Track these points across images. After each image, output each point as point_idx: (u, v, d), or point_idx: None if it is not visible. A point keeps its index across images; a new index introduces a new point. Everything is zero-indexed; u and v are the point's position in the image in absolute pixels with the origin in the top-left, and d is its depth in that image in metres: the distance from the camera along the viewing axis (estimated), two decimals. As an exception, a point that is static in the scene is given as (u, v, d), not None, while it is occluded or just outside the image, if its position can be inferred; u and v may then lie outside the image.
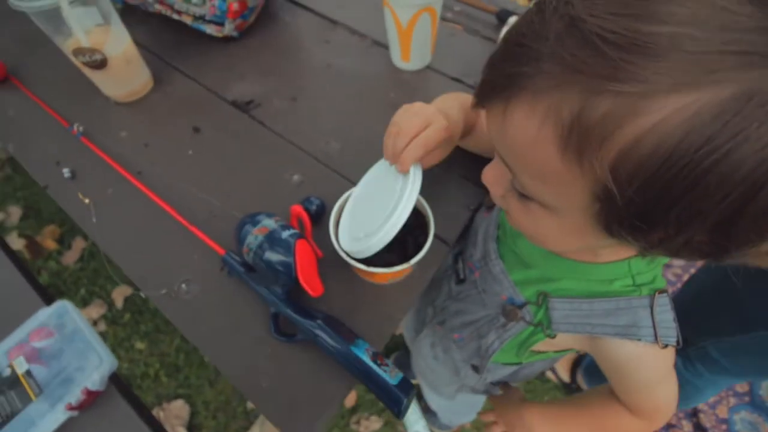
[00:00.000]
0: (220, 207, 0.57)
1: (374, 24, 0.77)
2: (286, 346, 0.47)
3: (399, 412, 0.39)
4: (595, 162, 0.24)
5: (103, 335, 1.37)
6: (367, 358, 0.41)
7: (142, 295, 0.51)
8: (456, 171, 0.59)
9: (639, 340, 0.37)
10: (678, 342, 0.37)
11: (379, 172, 0.47)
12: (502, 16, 0.76)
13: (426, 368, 0.75)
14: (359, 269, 0.46)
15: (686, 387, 0.87)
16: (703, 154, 0.21)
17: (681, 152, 0.21)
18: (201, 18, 0.71)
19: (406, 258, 0.44)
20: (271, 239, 0.44)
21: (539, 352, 0.49)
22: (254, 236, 0.45)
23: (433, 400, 0.92)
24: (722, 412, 1.17)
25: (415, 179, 0.41)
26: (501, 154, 0.32)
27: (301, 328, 0.44)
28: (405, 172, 0.42)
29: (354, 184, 0.54)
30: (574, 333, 0.41)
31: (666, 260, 0.40)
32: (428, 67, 0.72)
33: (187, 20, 0.72)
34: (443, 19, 0.78)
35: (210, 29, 0.73)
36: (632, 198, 0.24)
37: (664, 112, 0.21)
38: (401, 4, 0.59)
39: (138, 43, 0.67)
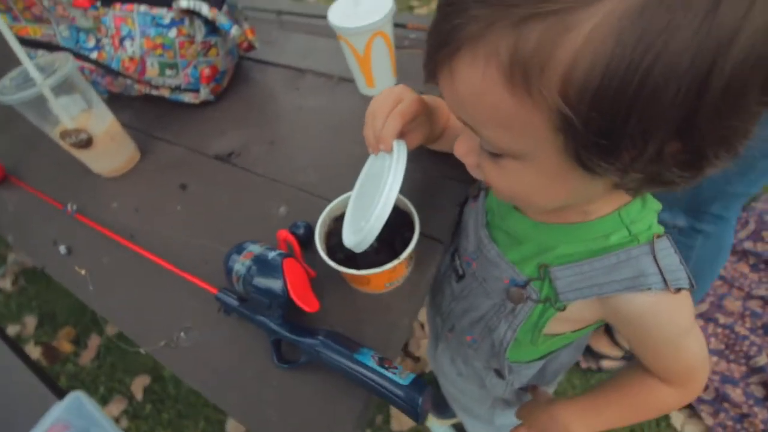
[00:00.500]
0: (211, 249, 0.57)
1: (337, 63, 0.82)
2: (292, 373, 0.44)
3: (416, 414, 0.36)
4: (543, 90, 0.24)
5: None
6: (372, 363, 0.39)
7: (142, 351, 0.50)
8: (437, 172, 0.59)
9: (649, 289, 0.35)
10: (691, 284, 0.35)
11: (369, 167, 0.48)
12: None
13: (455, 391, 0.70)
14: (355, 278, 0.45)
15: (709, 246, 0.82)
16: (640, 53, 0.21)
17: (618, 57, 0.21)
18: (177, 89, 0.76)
19: (397, 257, 0.43)
20: (258, 262, 0.44)
21: (555, 335, 0.46)
22: (241, 263, 0.44)
23: (475, 429, 0.84)
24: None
25: (399, 153, 0.41)
26: (462, 118, 0.32)
27: (304, 348, 0.42)
28: (389, 150, 0.42)
29: None
30: (582, 298, 0.38)
31: (658, 206, 0.38)
32: (394, 89, 0.75)
33: (165, 93, 0.78)
34: (402, 47, 0.83)
35: (187, 97, 0.78)
36: (588, 116, 0.23)
37: (591, 22, 0.22)
38: (353, 34, 0.64)
39: (124, 124, 0.72)
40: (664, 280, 0.34)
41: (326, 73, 0.82)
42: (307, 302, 0.43)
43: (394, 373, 0.38)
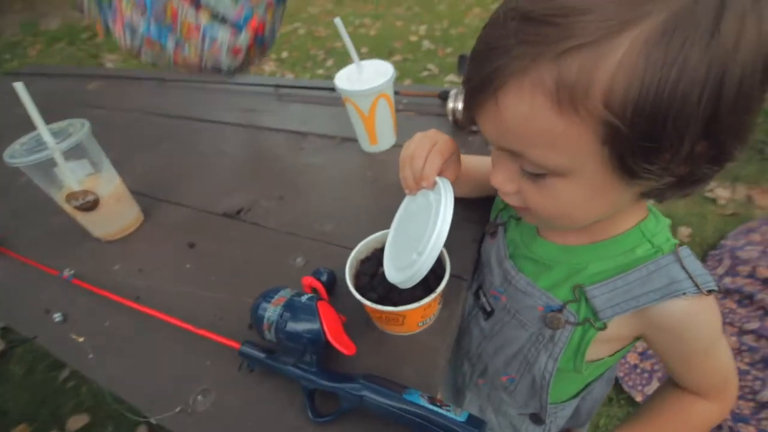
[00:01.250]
0: (227, 305, 0.55)
1: (337, 126, 0.88)
2: (330, 427, 0.41)
3: (479, 455, 0.33)
4: (589, 106, 0.28)
5: None
6: (424, 402, 0.36)
7: (153, 421, 0.45)
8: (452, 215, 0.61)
9: (684, 294, 0.36)
10: (718, 287, 0.37)
11: (407, 207, 0.49)
12: (442, 96, 0.89)
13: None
14: (389, 318, 0.44)
15: None
16: (667, 68, 0.26)
17: (650, 74, 0.26)
18: (221, 18, 0.65)
19: (431, 291, 0.43)
20: (291, 307, 0.42)
21: (595, 361, 0.45)
22: (273, 309, 0.43)
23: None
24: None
25: (446, 187, 0.43)
26: (505, 146, 0.35)
27: (344, 395, 0.39)
28: (431, 187, 0.44)
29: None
30: (621, 313, 0.39)
31: (668, 221, 0.41)
32: (395, 146, 0.80)
33: (204, 19, 0.65)
34: (397, 110, 0.90)
35: (222, 33, 0.66)
36: (632, 122, 0.27)
37: (622, 48, 0.26)
38: (359, 96, 0.69)
39: (128, 189, 0.72)
40: (696, 285, 0.36)
41: (327, 134, 0.87)
42: (345, 345, 0.41)
43: (448, 411, 0.36)
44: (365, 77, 0.70)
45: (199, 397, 0.45)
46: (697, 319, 0.38)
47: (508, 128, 0.32)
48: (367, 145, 0.79)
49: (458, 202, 0.63)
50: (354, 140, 0.83)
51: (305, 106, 0.99)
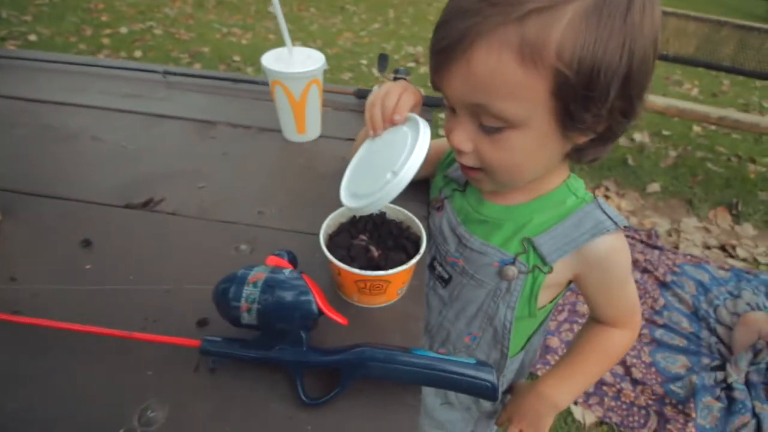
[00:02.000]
0: (161, 301, 0.45)
1: (250, 116, 0.82)
2: (327, 409, 0.37)
3: (495, 390, 0.35)
4: (546, 60, 0.34)
5: None
6: (434, 354, 0.36)
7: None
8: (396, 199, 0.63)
9: (608, 231, 0.46)
10: (627, 224, 0.47)
11: (370, 147, 0.49)
12: (358, 94, 0.92)
13: (433, 428, 0.67)
14: (373, 284, 0.42)
15: None
16: (599, 33, 0.34)
17: (589, 35, 0.34)
18: None
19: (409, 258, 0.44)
20: (275, 281, 0.37)
21: (543, 307, 0.52)
22: (251, 286, 0.37)
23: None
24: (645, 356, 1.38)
25: (421, 119, 0.44)
26: (471, 101, 0.39)
27: (345, 367, 0.37)
28: (403, 120, 0.46)
29: (306, 233, 0.55)
30: (563, 255, 0.47)
31: (582, 183, 0.51)
32: (321, 137, 0.78)
33: None
34: (313, 104, 0.89)
35: None
36: (577, 71, 0.34)
37: (568, 14, 0.33)
38: (292, 79, 0.66)
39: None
40: (615, 222, 0.46)
41: (242, 124, 0.80)
42: (337, 315, 0.39)
43: (457, 357, 0.36)
44: (296, 61, 0.68)
45: (150, 413, 0.36)
46: (619, 250, 0.48)
47: (477, 81, 0.37)
48: (293, 134, 0.75)
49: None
50: (272, 130, 0.78)
51: (205, 95, 0.90)
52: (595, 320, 0.56)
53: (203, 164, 0.68)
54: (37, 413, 0.36)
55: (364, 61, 3.27)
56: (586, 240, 0.46)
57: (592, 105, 0.36)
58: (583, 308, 1.50)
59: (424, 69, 3.37)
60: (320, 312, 0.37)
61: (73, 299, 0.45)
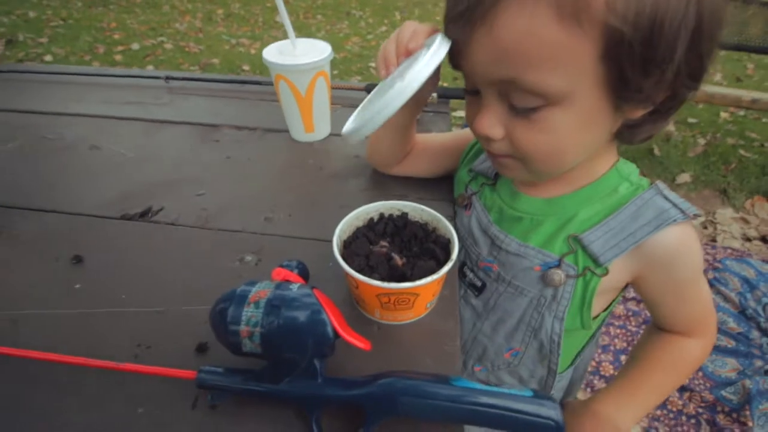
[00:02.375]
0: (154, 325, 0.39)
1: (255, 118, 0.77)
2: (350, 453, 0.30)
3: (559, 429, 0.28)
4: (592, 13, 0.27)
5: None
6: (479, 385, 0.29)
7: None
8: (413, 198, 0.56)
9: (675, 221, 0.38)
10: (698, 213, 0.39)
11: (383, 85, 0.41)
12: (370, 89, 0.85)
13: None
14: (399, 298, 0.36)
15: None
16: None
17: None
18: None
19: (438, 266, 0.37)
20: (282, 300, 0.31)
21: (597, 317, 0.45)
22: (252, 307, 0.31)
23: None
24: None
25: (441, 34, 0.36)
26: (498, 76, 0.32)
27: (370, 403, 0.30)
28: (420, 47, 0.38)
29: (318, 240, 0.50)
30: (620, 253, 0.39)
31: (635, 167, 0.43)
32: (331, 135, 0.72)
33: None
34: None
35: None
36: (635, 24, 0.27)
37: None
38: (296, 71, 0.60)
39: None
40: (681, 211, 0.38)
41: (247, 126, 0.75)
42: (357, 338, 0.32)
43: (511, 390, 0.29)
44: (301, 52, 0.62)
45: (138, 462, 0.30)
46: (689, 243, 0.40)
47: (505, 49, 0.30)
48: (300, 134, 0.69)
49: (419, 183, 0.59)
50: (279, 131, 0.72)
51: (208, 99, 0.85)
52: (660, 328, 0.48)
53: (206, 170, 0.63)
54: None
55: (373, 64, 3.23)
56: (648, 233, 0.38)
57: (654, 68, 0.29)
58: (617, 309, 1.39)
59: (435, 68, 3.31)
60: (337, 335, 0.31)
61: (59, 325, 0.39)
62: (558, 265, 0.41)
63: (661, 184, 0.40)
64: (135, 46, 3.35)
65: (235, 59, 3.20)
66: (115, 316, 0.40)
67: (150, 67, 3.00)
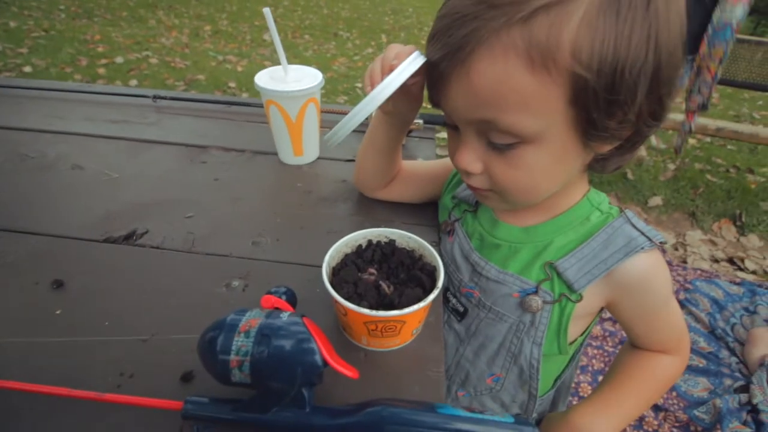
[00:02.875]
0: (138, 354, 0.39)
1: (244, 140, 0.77)
2: (337, 483, 0.31)
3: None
4: (559, 62, 0.29)
5: None
6: (464, 413, 0.30)
7: None
8: (399, 223, 0.58)
9: (642, 248, 0.40)
10: (663, 240, 0.42)
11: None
12: (358, 114, 0.88)
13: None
14: (386, 326, 0.37)
15: None
16: (620, 26, 0.29)
17: (608, 30, 0.29)
18: None
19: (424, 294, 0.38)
20: (272, 329, 0.31)
21: (574, 341, 0.46)
22: (243, 336, 0.31)
23: None
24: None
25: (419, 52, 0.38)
26: (476, 117, 0.34)
27: (358, 430, 0.30)
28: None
29: (306, 265, 0.50)
30: (593, 280, 0.41)
31: (605, 196, 0.46)
32: (320, 158, 0.74)
33: None
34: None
35: None
36: (598, 72, 0.29)
37: (581, 9, 0.29)
38: (288, 98, 0.62)
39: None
40: (649, 239, 0.40)
41: (235, 147, 0.75)
42: (345, 366, 0.33)
43: (493, 416, 0.30)
44: (292, 78, 0.64)
45: (119, 498, 0.29)
46: (657, 270, 0.42)
47: (482, 94, 0.32)
48: (290, 157, 0.70)
49: (405, 208, 0.61)
50: (268, 153, 0.73)
51: (197, 119, 0.85)
52: (636, 347, 0.50)
53: (193, 191, 0.63)
54: None
55: (359, 84, 3.29)
56: (618, 260, 0.40)
57: (618, 110, 0.32)
58: (594, 330, 1.42)
59: (419, 90, 3.39)
60: (326, 364, 0.31)
61: (39, 353, 0.39)
62: (535, 292, 0.43)
63: (629, 213, 0.43)
64: (119, 59, 3.32)
65: (221, 76, 3.21)
66: (98, 344, 0.40)
67: (134, 82, 2.98)
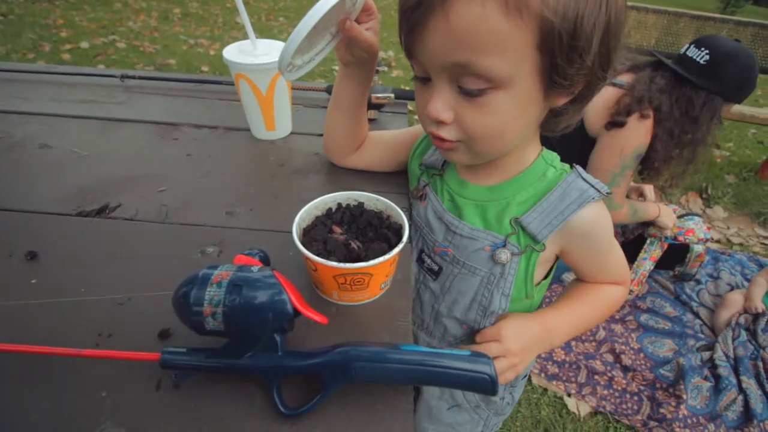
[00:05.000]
0: (115, 313, 0.40)
1: (215, 117, 0.78)
2: (308, 419, 0.33)
3: (494, 383, 0.32)
4: (532, 7, 0.32)
5: None
6: (425, 348, 0.33)
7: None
8: (369, 191, 0.60)
9: (593, 199, 0.44)
10: (609, 191, 0.46)
11: None
12: (330, 91, 0.88)
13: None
14: (354, 278, 0.39)
15: None
16: None
17: None
18: None
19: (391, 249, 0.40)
20: (243, 280, 0.33)
21: (536, 286, 0.50)
22: (215, 287, 0.33)
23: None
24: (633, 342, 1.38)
25: None
26: (452, 60, 0.36)
27: (328, 370, 0.33)
28: None
29: (280, 231, 0.52)
30: (554, 230, 0.44)
31: (556, 154, 0.49)
32: (293, 133, 0.74)
33: None
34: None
35: None
36: (563, 18, 0.32)
37: None
38: (257, 71, 0.62)
39: None
40: (597, 190, 0.44)
41: (206, 124, 0.75)
42: (314, 313, 0.35)
43: (451, 350, 0.33)
44: (261, 52, 0.64)
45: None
46: (602, 217, 0.46)
47: (460, 36, 0.34)
48: (262, 132, 0.71)
49: (375, 177, 0.63)
50: (240, 130, 0.74)
51: (168, 98, 0.85)
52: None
53: (165, 167, 0.63)
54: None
55: (336, 67, 3.25)
56: (573, 211, 0.44)
57: (577, 56, 0.35)
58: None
59: (396, 72, 3.37)
60: (296, 312, 0.33)
61: (14, 317, 0.39)
62: (504, 245, 0.46)
63: (579, 168, 0.46)
64: (84, 44, 3.19)
65: (193, 60, 3.13)
66: (74, 306, 0.41)
67: (101, 66, 2.87)
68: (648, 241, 1.46)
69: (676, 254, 1.57)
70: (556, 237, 0.46)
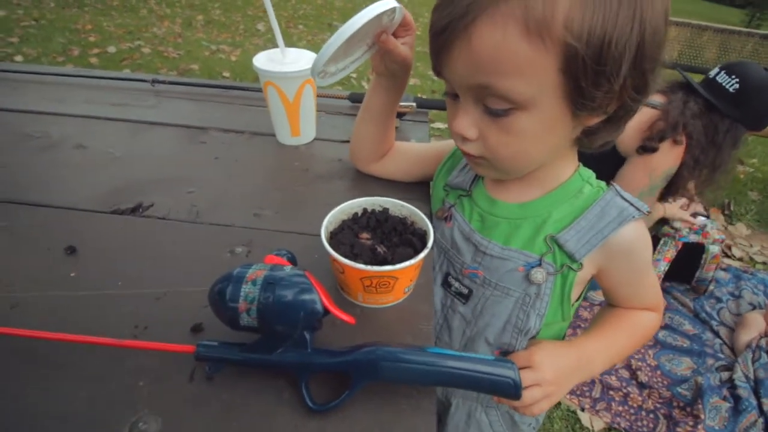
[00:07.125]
0: (150, 308, 0.42)
1: (242, 121, 0.80)
2: (334, 415, 0.34)
3: (516, 386, 0.32)
4: (553, 33, 0.32)
5: None
6: (450, 351, 0.34)
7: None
8: (394, 197, 0.61)
9: (633, 217, 0.43)
10: (648, 210, 0.45)
11: None
12: (353, 98, 0.90)
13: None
14: (380, 281, 0.40)
15: None
16: (608, 4, 0.32)
17: (597, 6, 0.32)
18: None
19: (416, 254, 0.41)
20: (276, 279, 0.34)
21: (573, 305, 0.49)
22: (250, 284, 0.34)
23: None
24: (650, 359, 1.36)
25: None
26: (475, 82, 0.37)
27: (355, 368, 0.34)
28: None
29: (306, 234, 0.53)
30: (592, 249, 0.44)
31: (592, 171, 0.49)
32: (316, 139, 0.76)
33: None
34: (306, 109, 0.87)
35: None
36: (587, 43, 0.32)
37: None
38: (285, 78, 0.64)
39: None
40: (637, 209, 0.44)
41: (234, 129, 0.78)
42: (343, 314, 0.36)
43: (476, 354, 0.34)
44: (290, 60, 0.66)
45: (142, 426, 0.32)
46: (643, 236, 0.46)
47: (481, 59, 0.35)
48: (287, 137, 0.73)
49: (398, 186, 0.64)
50: (266, 134, 0.76)
51: (196, 103, 0.88)
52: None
53: (194, 169, 0.66)
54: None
55: (354, 75, 3.30)
56: (613, 230, 0.43)
57: (604, 81, 0.34)
58: (583, 312, 1.47)
59: (413, 80, 3.40)
60: (325, 311, 0.34)
61: (55, 307, 0.41)
62: (539, 264, 0.46)
63: (617, 186, 0.46)
64: (111, 49, 3.30)
65: (215, 65, 3.21)
66: (112, 299, 0.43)
67: (127, 71, 2.96)
68: (661, 242, 1.43)
69: (690, 258, 1.53)
70: (595, 256, 0.45)
